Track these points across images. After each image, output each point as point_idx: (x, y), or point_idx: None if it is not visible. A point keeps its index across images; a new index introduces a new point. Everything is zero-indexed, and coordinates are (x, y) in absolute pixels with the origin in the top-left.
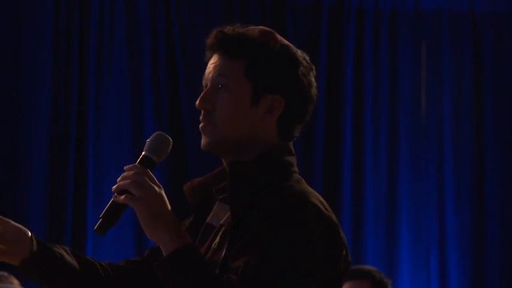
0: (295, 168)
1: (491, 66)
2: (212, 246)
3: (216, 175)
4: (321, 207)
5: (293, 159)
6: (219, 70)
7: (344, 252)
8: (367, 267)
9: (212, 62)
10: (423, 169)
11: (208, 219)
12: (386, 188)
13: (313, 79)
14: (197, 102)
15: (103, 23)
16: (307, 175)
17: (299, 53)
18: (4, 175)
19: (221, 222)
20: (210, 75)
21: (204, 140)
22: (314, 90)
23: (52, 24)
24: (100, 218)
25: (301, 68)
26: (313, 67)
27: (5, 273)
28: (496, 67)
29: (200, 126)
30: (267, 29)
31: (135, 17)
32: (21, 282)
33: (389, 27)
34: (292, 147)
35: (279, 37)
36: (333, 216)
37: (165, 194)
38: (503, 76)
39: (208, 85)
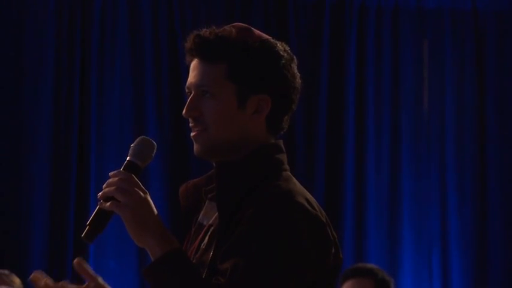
0: (286, 166)
1: (493, 64)
2: (201, 246)
3: (210, 176)
4: (308, 206)
5: (283, 157)
6: (201, 76)
7: (333, 250)
8: (370, 265)
9: (193, 68)
10: (425, 167)
11: (199, 218)
12: (389, 186)
13: (295, 70)
14: (184, 111)
15: (105, 20)
16: (309, 174)
17: (279, 45)
18: (6, 174)
19: (210, 222)
20: (193, 82)
21: (196, 148)
22: (298, 81)
23: (54, 21)
24: (87, 225)
25: (283, 61)
26: (294, 57)
27: (6, 272)
28: (498, 65)
29: (191, 135)
30: (244, 26)
31: (137, 13)
32: (23, 281)
33: (392, 25)
34: (282, 145)
35: (257, 32)
36: (321, 215)
37: (167, 192)
38: (505, 74)
39: (193, 92)
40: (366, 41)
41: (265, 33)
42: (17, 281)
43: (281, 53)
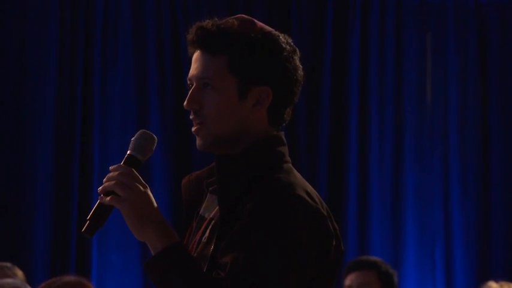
0: (287, 158)
1: (496, 56)
2: (202, 240)
3: (212, 168)
4: (308, 198)
5: (285, 150)
6: (203, 68)
7: (334, 243)
8: (373, 258)
9: (195, 60)
10: (428, 160)
11: (201, 211)
12: (392, 179)
13: (297, 62)
14: (185, 103)
15: (108, 12)
16: (312, 167)
17: (281, 37)
18: (9, 168)
19: (211, 215)
20: (195, 73)
21: (198, 141)
22: (300, 73)
23: (57, 13)
24: (87, 220)
25: (285, 53)
26: (297, 49)
27: (9, 264)
28: (501, 57)
29: (193, 129)
30: (246, 18)
31: (140, 7)
32: (26, 274)
33: (395, 17)
34: (283, 137)
35: (259, 24)
36: (322, 207)
37: (169, 185)
38: (508, 66)
39: (194, 84)
40: (369, 33)
41: (268, 25)
42: (19, 273)
43: (283, 45)
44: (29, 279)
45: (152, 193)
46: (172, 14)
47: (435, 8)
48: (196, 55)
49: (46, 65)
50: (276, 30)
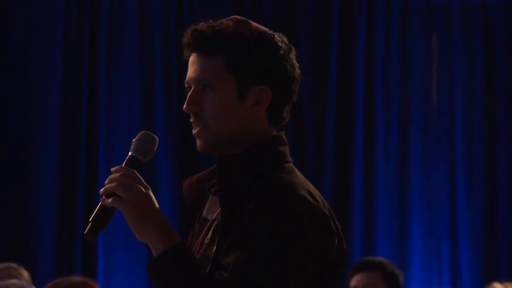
0: (288, 158)
1: (502, 57)
2: (205, 241)
3: (214, 170)
4: (310, 198)
5: (285, 149)
6: (201, 70)
7: (336, 242)
8: (379, 258)
9: (192, 63)
10: (434, 160)
11: (203, 213)
12: (397, 179)
13: (294, 60)
14: (184, 106)
15: (114, 11)
16: (318, 168)
17: (276, 36)
18: (14, 167)
19: (213, 217)
20: (193, 76)
21: (199, 143)
22: (297, 71)
23: (63, 11)
24: (89, 222)
25: (281, 52)
26: (292, 47)
27: (14, 265)
28: (507, 58)
29: (194, 132)
30: (241, 18)
31: (146, 7)
32: (31, 274)
33: (401, 18)
34: (284, 137)
35: (254, 24)
36: (324, 207)
37: (175, 188)
38: None
39: (193, 87)
40: (375, 33)
41: (274, 27)
42: (25, 274)
43: (279, 43)
44: (34, 279)
45: (156, 194)
46: (178, 14)
47: (441, 8)
48: (192, 58)
49: (51, 65)
50: (281, 31)
